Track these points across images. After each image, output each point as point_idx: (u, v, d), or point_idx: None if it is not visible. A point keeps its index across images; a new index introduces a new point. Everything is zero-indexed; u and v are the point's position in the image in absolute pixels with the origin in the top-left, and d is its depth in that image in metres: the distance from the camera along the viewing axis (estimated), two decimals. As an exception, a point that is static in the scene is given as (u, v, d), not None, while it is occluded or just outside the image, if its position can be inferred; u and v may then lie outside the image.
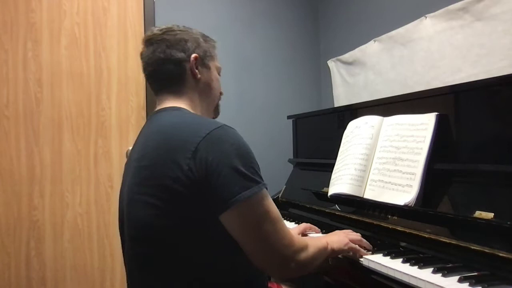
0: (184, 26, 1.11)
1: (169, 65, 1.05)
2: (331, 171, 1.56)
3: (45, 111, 2.09)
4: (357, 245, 1.13)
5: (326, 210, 1.57)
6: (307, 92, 2.76)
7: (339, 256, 1.15)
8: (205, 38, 1.13)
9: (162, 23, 2.34)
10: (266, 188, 0.91)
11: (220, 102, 1.19)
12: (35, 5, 2.09)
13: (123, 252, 1.05)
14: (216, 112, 1.18)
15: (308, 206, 1.70)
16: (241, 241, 0.89)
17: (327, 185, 1.55)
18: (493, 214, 0.98)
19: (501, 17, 1.51)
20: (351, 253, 1.13)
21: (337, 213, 1.53)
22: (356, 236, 1.17)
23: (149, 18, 2.30)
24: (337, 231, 1.21)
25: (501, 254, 0.91)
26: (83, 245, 2.14)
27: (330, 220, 1.56)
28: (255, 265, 0.91)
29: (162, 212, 0.89)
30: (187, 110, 1.04)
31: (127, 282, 1.04)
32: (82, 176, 2.15)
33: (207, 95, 1.12)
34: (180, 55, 1.05)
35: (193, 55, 1.06)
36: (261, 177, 0.90)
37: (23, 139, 2.06)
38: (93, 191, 2.17)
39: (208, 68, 1.11)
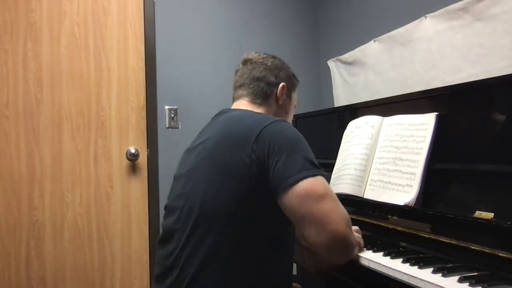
0: (280, 59, 1.27)
1: (262, 83, 1.19)
2: (331, 171, 1.56)
3: (45, 111, 2.09)
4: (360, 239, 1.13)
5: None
6: (307, 92, 2.76)
7: None
8: (294, 75, 1.29)
9: (162, 23, 2.37)
10: (325, 173, 0.96)
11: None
12: (35, 5, 2.09)
13: (163, 233, 1.07)
14: None
15: (308, 206, 1.70)
16: (302, 221, 0.92)
17: (327, 185, 1.54)
18: (493, 214, 0.98)
19: (501, 17, 1.51)
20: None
21: (337, 213, 1.52)
22: (356, 228, 1.17)
23: (149, 18, 2.30)
24: None
25: (501, 254, 0.91)
26: (83, 245, 2.14)
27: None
28: (315, 248, 0.92)
29: (220, 189, 0.95)
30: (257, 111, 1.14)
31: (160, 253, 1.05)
32: (82, 176, 2.15)
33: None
34: (272, 79, 1.20)
35: (282, 84, 1.21)
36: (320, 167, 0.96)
37: (23, 139, 2.06)
38: (93, 191, 2.17)
39: (290, 98, 1.26)
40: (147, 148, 2.29)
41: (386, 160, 1.34)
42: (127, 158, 2.22)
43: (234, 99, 1.22)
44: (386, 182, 1.30)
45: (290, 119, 1.28)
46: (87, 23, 2.18)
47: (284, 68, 1.25)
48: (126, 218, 2.23)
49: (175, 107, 2.37)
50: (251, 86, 1.19)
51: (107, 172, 2.20)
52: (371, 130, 1.45)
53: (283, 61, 1.28)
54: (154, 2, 2.32)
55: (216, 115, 1.16)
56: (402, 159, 1.27)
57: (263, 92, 1.18)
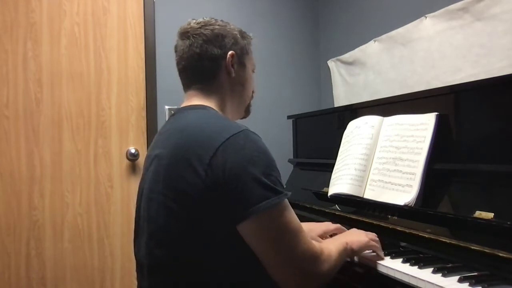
0: (222, 21, 1.07)
1: (205, 61, 1.01)
2: (331, 171, 1.56)
3: (45, 111, 2.09)
4: (378, 245, 1.09)
5: (326, 210, 1.57)
6: (307, 92, 2.76)
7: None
8: (242, 34, 1.09)
9: (162, 23, 2.37)
10: (288, 197, 0.87)
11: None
12: (35, 5, 2.09)
13: (134, 245, 1.03)
14: (247, 111, 1.15)
15: (308, 206, 1.70)
16: (260, 253, 0.85)
17: (327, 185, 1.55)
18: (493, 214, 0.98)
19: (501, 17, 1.51)
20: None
21: (337, 213, 1.52)
22: (374, 235, 1.12)
23: (149, 18, 2.30)
24: (354, 230, 1.16)
25: (501, 254, 0.91)
26: (83, 245, 2.14)
27: (330, 220, 1.55)
28: (274, 279, 0.86)
29: (176, 215, 0.87)
30: (214, 110, 1.01)
31: (137, 278, 1.02)
32: (82, 176, 2.15)
33: (239, 94, 1.09)
34: (217, 51, 1.02)
35: (230, 52, 1.03)
36: (282, 186, 0.87)
37: (23, 139, 2.06)
38: (93, 191, 2.17)
39: (243, 66, 1.08)
40: (147, 148, 2.28)
41: (386, 160, 1.34)
42: (127, 158, 2.22)
43: (184, 86, 1.08)
44: (386, 182, 1.30)
45: (249, 89, 1.12)
46: (87, 23, 2.18)
47: (228, 33, 1.04)
48: (126, 218, 2.23)
49: (175, 107, 2.36)
50: (194, 67, 1.02)
51: (107, 172, 2.20)
52: (371, 130, 1.45)
53: (226, 23, 1.07)
54: (154, 2, 2.32)
55: (172, 115, 1.05)
56: (402, 159, 1.27)
57: (209, 71, 1.02)
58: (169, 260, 0.90)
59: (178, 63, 1.06)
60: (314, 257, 0.88)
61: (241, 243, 0.86)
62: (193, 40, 1.02)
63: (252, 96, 1.15)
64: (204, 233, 0.87)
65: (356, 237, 1.08)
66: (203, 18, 1.06)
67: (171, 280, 0.90)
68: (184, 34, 1.04)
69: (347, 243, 1.03)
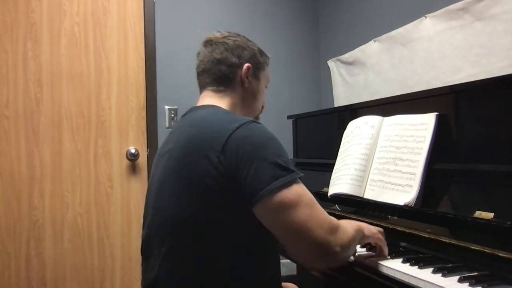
0: (244, 37, 1.15)
1: (222, 66, 1.09)
2: (331, 171, 1.56)
3: (45, 111, 2.10)
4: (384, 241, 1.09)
5: (326, 210, 1.56)
6: (307, 92, 2.76)
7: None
8: (261, 52, 1.17)
9: (162, 23, 2.37)
10: (298, 174, 0.89)
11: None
12: (35, 5, 2.09)
13: (142, 244, 1.07)
14: None
15: (308, 206, 1.70)
16: (278, 230, 0.88)
17: (327, 185, 1.55)
18: (493, 214, 0.98)
19: (501, 17, 1.51)
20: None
21: (337, 213, 1.52)
22: (381, 231, 1.11)
23: (149, 18, 2.30)
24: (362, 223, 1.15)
25: (501, 254, 0.91)
26: (83, 245, 2.15)
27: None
28: (294, 255, 0.89)
29: (190, 204, 0.90)
30: (223, 108, 1.05)
31: (143, 267, 1.05)
32: (82, 176, 2.15)
33: (250, 103, 1.15)
34: (235, 60, 1.09)
35: (246, 64, 1.10)
36: (292, 165, 0.90)
37: (23, 139, 2.06)
38: (93, 191, 2.17)
39: (257, 79, 1.15)
40: (147, 148, 2.29)
41: (386, 160, 1.34)
42: (127, 158, 2.22)
43: (200, 88, 1.15)
44: (386, 182, 1.30)
45: (260, 102, 1.19)
46: (87, 23, 2.18)
47: (248, 47, 1.12)
48: (126, 218, 2.23)
49: (175, 107, 2.36)
50: (212, 70, 1.09)
51: (107, 172, 2.20)
52: (371, 130, 1.45)
53: (248, 39, 1.15)
54: (154, 2, 2.32)
55: (184, 115, 1.10)
56: (402, 159, 1.27)
57: (225, 76, 1.09)
58: (180, 248, 0.92)
59: (198, 66, 1.14)
60: (332, 228, 0.89)
61: (248, 234, 0.90)
62: (215, 46, 1.10)
63: (261, 111, 1.22)
64: (213, 221, 0.90)
65: (366, 225, 1.08)
66: (228, 32, 1.14)
67: (179, 267, 0.92)
68: (208, 42, 1.12)
69: (359, 225, 1.03)
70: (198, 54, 1.14)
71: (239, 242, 0.92)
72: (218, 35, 1.12)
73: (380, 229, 1.12)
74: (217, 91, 1.09)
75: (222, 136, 0.89)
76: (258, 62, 1.15)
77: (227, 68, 1.09)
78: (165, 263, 0.95)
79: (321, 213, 0.90)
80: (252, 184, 0.86)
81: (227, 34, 1.12)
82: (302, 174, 0.91)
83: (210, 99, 1.09)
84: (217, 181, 0.87)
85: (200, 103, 1.10)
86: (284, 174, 0.87)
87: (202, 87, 1.13)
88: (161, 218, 0.97)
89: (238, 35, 1.14)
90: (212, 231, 0.90)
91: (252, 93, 1.14)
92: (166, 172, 0.98)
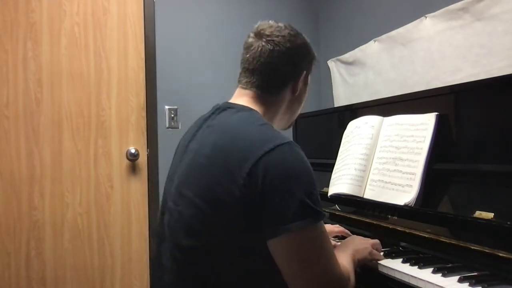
0: (302, 37, 1.03)
1: (279, 74, 0.99)
2: (331, 171, 1.56)
3: (45, 111, 2.09)
4: (378, 251, 1.08)
5: (326, 210, 1.57)
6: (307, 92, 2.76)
7: None
8: (314, 54, 1.07)
9: (162, 23, 2.36)
10: (323, 216, 0.83)
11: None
12: (35, 5, 2.09)
13: (158, 242, 1.00)
14: (291, 125, 1.13)
15: (308, 206, 1.70)
16: (287, 271, 0.82)
17: (327, 185, 1.55)
18: (493, 214, 0.98)
19: (501, 17, 1.51)
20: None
21: (337, 213, 1.52)
22: (377, 243, 1.10)
23: (149, 18, 2.30)
24: (355, 237, 1.15)
25: (501, 254, 0.91)
26: (83, 245, 2.14)
27: (330, 220, 1.55)
28: None
29: (205, 217, 0.85)
30: (259, 114, 0.96)
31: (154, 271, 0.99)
32: (82, 176, 2.15)
33: (294, 110, 1.08)
34: (292, 68, 1.00)
35: (304, 72, 1.02)
36: (321, 206, 0.83)
37: (23, 139, 2.06)
38: (93, 191, 2.17)
39: (306, 84, 1.06)
40: (147, 148, 2.29)
41: (386, 160, 1.34)
42: (127, 158, 2.22)
43: (239, 83, 1.02)
44: (386, 182, 1.30)
45: (302, 105, 1.10)
46: (87, 23, 2.18)
47: (307, 51, 1.03)
48: (126, 218, 2.23)
49: (175, 107, 2.36)
50: (265, 75, 0.98)
51: (107, 172, 2.20)
52: (371, 130, 1.45)
53: (305, 38, 1.03)
54: (154, 2, 2.32)
55: (213, 113, 0.99)
56: (402, 159, 1.27)
57: (277, 84, 0.99)
58: (194, 254, 0.87)
59: (246, 60, 1.01)
60: (341, 281, 0.85)
61: (261, 257, 0.83)
62: (273, 46, 0.97)
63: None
64: (227, 240, 0.84)
65: (361, 245, 1.06)
66: (284, 25, 1.01)
67: (188, 281, 0.88)
68: (263, 35, 0.99)
69: (353, 255, 1.00)
70: (248, 46, 1.01)
71: (244, 265, 0.86)
72: (274, 28, 0.98)
73: (376, 241, 1.10)
74: (261, 96, 0.99)
75: (252, 157, 0.81)
76: (311, 67, 1.06)
77: (282, 77, 0.99)
78: (172, 280, 0.91)
79: (336, 267, 0.84)
80: (273, 216, 0.80)
81: (285, 30, 0.99)
82: (327, 215, 0.87)
83: (250, 100, 0.99)
84: (239, 203, 0.81)
85: (237, 101, 0.99)
86: (309, 216, 0.80)
87: (245, 84, 1.01)
88: (176, 221, 0.92)
89: (296, 34, 1.01)
90: (219, 250, 0.85)
91: (299, 99, 1.06)
92: (189, 175, 0.92)
